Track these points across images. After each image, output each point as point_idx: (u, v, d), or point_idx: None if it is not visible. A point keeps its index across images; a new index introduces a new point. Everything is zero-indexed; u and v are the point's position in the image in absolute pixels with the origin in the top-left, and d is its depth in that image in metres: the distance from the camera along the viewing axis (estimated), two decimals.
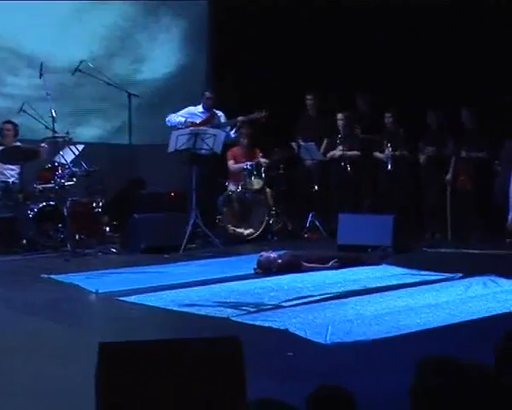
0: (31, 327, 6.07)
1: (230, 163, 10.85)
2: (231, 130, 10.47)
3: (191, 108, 10.37)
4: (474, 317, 6.17)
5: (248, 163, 10.70)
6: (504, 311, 6.37)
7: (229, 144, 10.78)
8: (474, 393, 2.36)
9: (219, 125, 10.25)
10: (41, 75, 9.55)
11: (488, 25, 10.41)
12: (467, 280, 7.55)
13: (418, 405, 2.38)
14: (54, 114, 9.31)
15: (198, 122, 10.19)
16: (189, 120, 10.16)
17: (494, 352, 2.69)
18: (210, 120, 10.28)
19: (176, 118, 10.19)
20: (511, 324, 5.65)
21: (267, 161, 10.65)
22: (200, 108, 10.39)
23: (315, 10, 11.51)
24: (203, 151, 9.72)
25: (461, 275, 7.73)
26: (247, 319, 6.17)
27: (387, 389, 4.27)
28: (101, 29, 11.21)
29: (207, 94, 10.43)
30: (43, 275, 7.93)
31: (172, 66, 11.90)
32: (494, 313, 6.30)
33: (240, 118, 10.39)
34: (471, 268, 7.95)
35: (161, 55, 11.83)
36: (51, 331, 5.96)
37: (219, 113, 10.45)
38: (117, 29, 11.46)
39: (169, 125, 10.17)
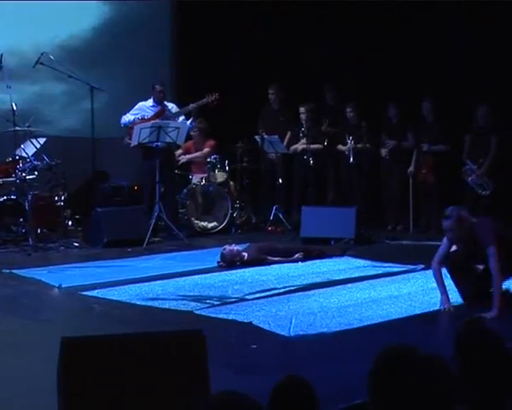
0: None
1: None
2: (187, 119, 10.21)
3: (141, 104, 10.16)
4: (436, 308, 6.24)
5: (212, 156, 10.75)
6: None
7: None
8: (426, 381, 2.41)
9: (171, 117, 10.04)
10: (1, 67, 9.41)
11: (446, 18, 10.52)
12: (428, 272, 7.62)
13: (374, 393, 2.42)
14: (14, 107, 9.19)
15: (148, 117, 10.03)
16: (138, 116, 10.04)
17: (455, 340, 2.74)
18: (160, 114, 10.07)
19: (126, 117, 10.06)
20: (470, 314, 5.76)
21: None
22: (150, 101, 10.17)
23: (281, 1, 11.52)
24: (153, 145, 9.61)
25: (422, 267, 7.82)
26: (211, 313, 6.17)
27: (350, 380, 4.30)
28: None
29: (157, 87, 10.12)
30: (4, 270, 7.85)
31: (135, 56, 11.83)
32: (454, 303, 6.38)
33: (191, 105, 10.12)
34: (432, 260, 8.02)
35: (124, 44, 11.79)
36: (13, 326, 5.90)
37: (171, 105, 10.25)
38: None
39: (122, 125, 10.07)
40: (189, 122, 10.21)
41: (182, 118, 10.18)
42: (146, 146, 9.62)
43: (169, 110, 10.17)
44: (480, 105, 9.93)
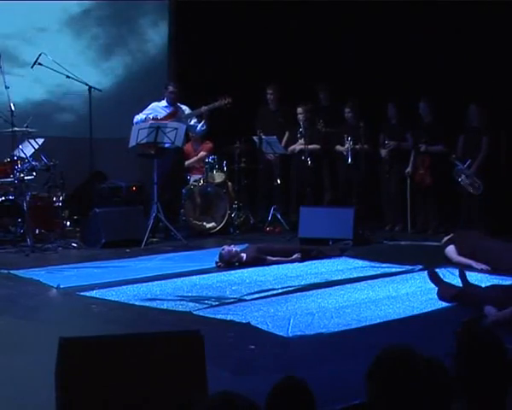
0: None
1: None
2: (198, 123, 10.28)
3: (155, 104, 10.19)
4: (434, 308, 6.25)
5: (210, 157, 10.76)
6: None
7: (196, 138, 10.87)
8: (424, 381, 2.41)
9: (184, 118, 10.10)
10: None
11: (444, 16, 10.52)
12: (426, 272, 7.63)
13: (372, 394, 2.42)
14: (13, 108, 9.18)
15: (160, 117, 10.05)
16: (150, 116, 10.05)
17: (455, 340, 2.74)
18: (173, 115, 10.13)
19: (139, 117, 10.06)
20: (468, 314, 5.76)
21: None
22: (163, 102, 10.21)
23: (276, 2, 11.53)
24: (165, 145, 9.67)
25: (421, 267, 7.82)
26: (209, 313, 6.17)
27: (348, 380, 4.30)
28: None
29: (170, 88, 10.17)
30: (2, 270, 7.84)
31: (133, 57, 11.82)
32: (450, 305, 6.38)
33: (203, 108, 10.18)
34: (430, 260, 8.03)
35: (122, 45, 11.78)
36: (10, 326, 5.89)
37: (184, 107, 10.29)
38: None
39: (135, 124, 10.06)
40: (200, 125, 10.23)
41: (194, 120, 10.22)
42: (159, 146, 9.60)
43: (182, 111, 10.18)
44: (471, 105, 9.92)
